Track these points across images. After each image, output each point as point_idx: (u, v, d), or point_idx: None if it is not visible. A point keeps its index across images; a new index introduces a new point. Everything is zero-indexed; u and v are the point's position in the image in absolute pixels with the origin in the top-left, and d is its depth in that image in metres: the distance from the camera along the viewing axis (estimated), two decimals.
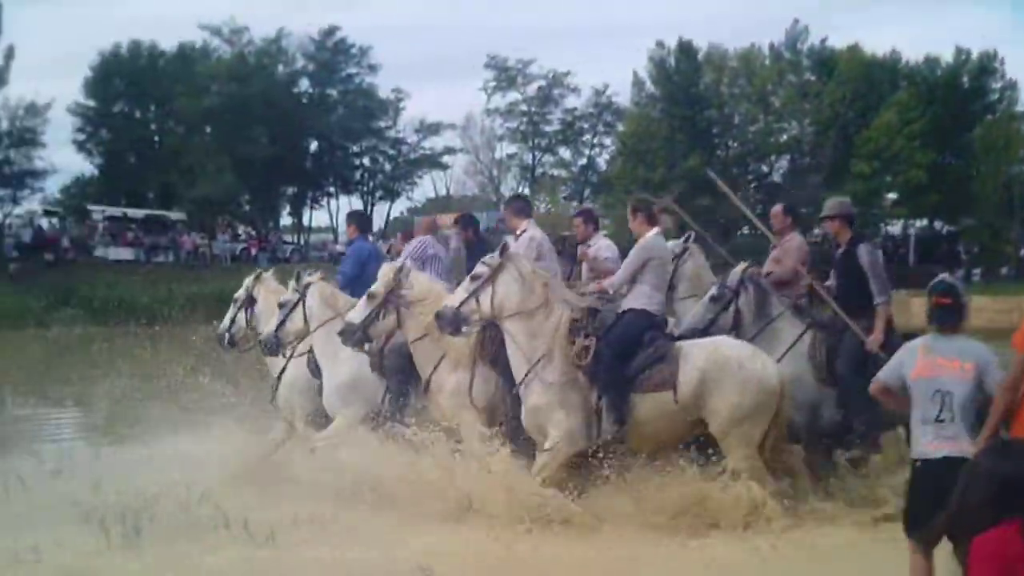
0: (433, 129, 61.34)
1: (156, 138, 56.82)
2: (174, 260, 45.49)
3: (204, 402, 10.30)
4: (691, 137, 50.86)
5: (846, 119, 50.41)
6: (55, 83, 77.01)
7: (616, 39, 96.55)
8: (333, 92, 59.88)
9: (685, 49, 52.89)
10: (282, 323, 9.15)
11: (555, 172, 61.73)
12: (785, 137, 53.12)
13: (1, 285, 37.66)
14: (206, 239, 48.16)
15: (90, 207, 49.10)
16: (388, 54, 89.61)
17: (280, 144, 54.18)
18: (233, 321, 10.05)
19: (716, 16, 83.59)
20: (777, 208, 9.70)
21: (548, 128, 61.73)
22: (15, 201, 46.05)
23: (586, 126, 61.80)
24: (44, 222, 46.28)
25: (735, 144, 54.01)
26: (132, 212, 49.19)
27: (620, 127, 57.27)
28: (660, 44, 53.13)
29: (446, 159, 62.70)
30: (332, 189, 61.01)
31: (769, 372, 7.74)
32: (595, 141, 62.28)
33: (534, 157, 62.33)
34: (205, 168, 50.18)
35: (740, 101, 53.11)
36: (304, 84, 59.56)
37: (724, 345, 8.01)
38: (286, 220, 62.27)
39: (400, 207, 64.26)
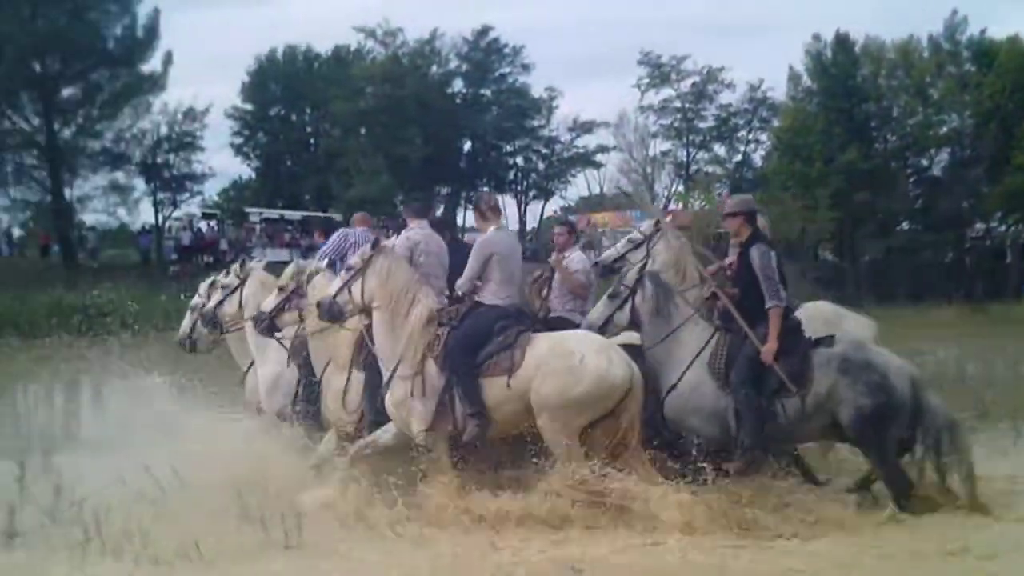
0: (586, 127, 60.50)
1: (312, 140, 57.57)
2: None
3: None
4: (848, 131, 48.92)
5: (1006, 111, 47.83)
6: (213, 88, 79.31)
7: (771, 33, 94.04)
8: (487, 92, 59.63)
9: (842, 42, 50.92)
10: (220, 304, 9.63)
11: (710, 169, 60.18)
12: (944, 130, 50.67)
13: (162, 286, 38.39)
14: None
15: (248, 209, 49.96)
16: (541, 52, 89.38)
17: (434, 144, 54.15)
18: (194, 326, 10.15)
19: (873, 8, 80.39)
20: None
21: (702, 124, 60.15)
22: (175, 204, 47.17)
23: (741, 122, 60.07)
24: (203, 225, 47.24)
25: (893, 138, 51.78)
26: (289, 214, 49.76)
27: (776, 122, 55.61)
28: (816, 37, 51.43)
29: (599, 157, 61.59)
30: (486, 188, 60.77)
31: (614, 370, 7.68)
32: (750, 137, 60.55)
33: (688, 154, 60.92)
34: (360, 169, 50.45)
35: (898, 93, 50.89)
36: (458, 84, 59.47)
37: (573, 338, 8.08)
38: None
39: (553, 206, 63.62)
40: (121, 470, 7.79)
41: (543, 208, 63.07)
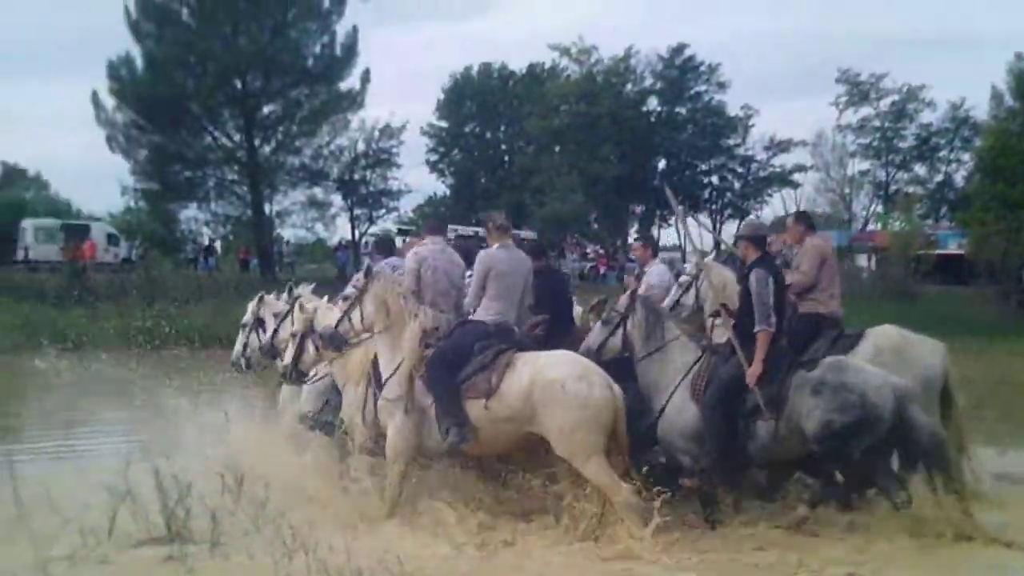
0: (783, 146, 59.16)
1: (506, 158, 57.79)
2: None
3: None
4: None
5: None
6: (409, 105, 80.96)
7: (973, 49, 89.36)
8: (682, 110, 58.89)
9: None
10: (275, 332, 9.89)
11: (910, 189, 57.73)
12: None
13: None
14: (556, 257, 48.11)
15: None
16: (737, 70, 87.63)
17: (629, 162, 53.60)
18: (246, 345, 10.49)
19: None
20: (789, 220, 10.35)
21: (902, 144, 58.00)
22: (371, 220, 47.83)
23: (942, 142, 57.60)
24: (399, 241, 47.62)
25: None
26: (483, 231, 49.68)
27: (978, 142, 52.60)
28: (1019, 56, 48.22)
29: (796, 177, 59.92)
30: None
31: (594, 393, 7.85)
32: (952, 157, 58.06)
33: (888, 174, 58.71)
34: (554, 187, 50.19)
35: None
36: (653, 102, 58.77)
37: (553, 364, 8.08)
38: (634, 238, 61.42)
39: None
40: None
41: (738, 228, 61.31)
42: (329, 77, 42.30)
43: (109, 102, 41.09)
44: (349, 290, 8.97)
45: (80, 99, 79.50)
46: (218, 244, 48.78)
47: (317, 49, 42.51)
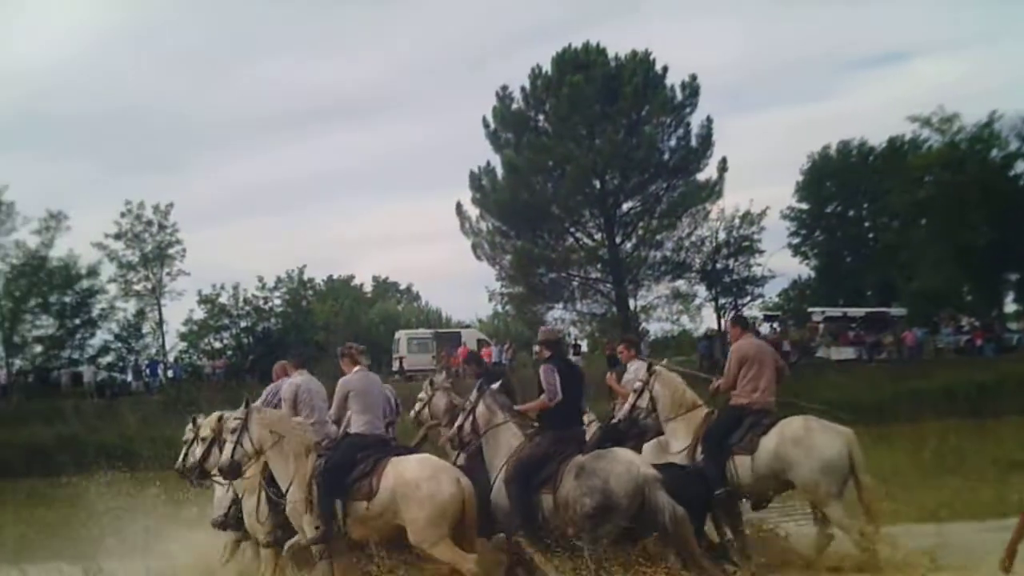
0: None
1: (870, 235, 55.66)
2: (896, 356, 43.16)
3: None
4: None
5: None
6: (768, 189, 79.82)
7: None
8: None
9: None
10: (233, 449, 10.13)
11: None
12: None
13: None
14: (929, 333, 45.29)
15: (810, 309, 49.03)
16: None
17: (1000, 229, 49.89)
18: (186, 456, 11.36)
19: None
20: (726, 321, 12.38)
21: None
22: (736, 308, 47.01)
23: None
24: (765, 327, 46.80)
25: None
26: (852, 311, 48.09)
27: None
28: None
29: None
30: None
31: (443, 490, 9.27)
32: None
33: None
34: (923, 260, 47.64)
35: None
36: (1020, 166, 54.50)
37: (410, 467, 9.54)
38: (1011, 307, 57.11)
39: None
40: None
41: None
42: (686, 169, 42.56)
43: (473, 211, 43.13)
44: (231, 422, 10.24)
45: (444, 211, 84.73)
46: (584, 342, 49.64)
47: (672, 142, 43.05)
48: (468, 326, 51.60)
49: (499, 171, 42.83)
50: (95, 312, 52.04)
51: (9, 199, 48.56)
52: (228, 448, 10.05)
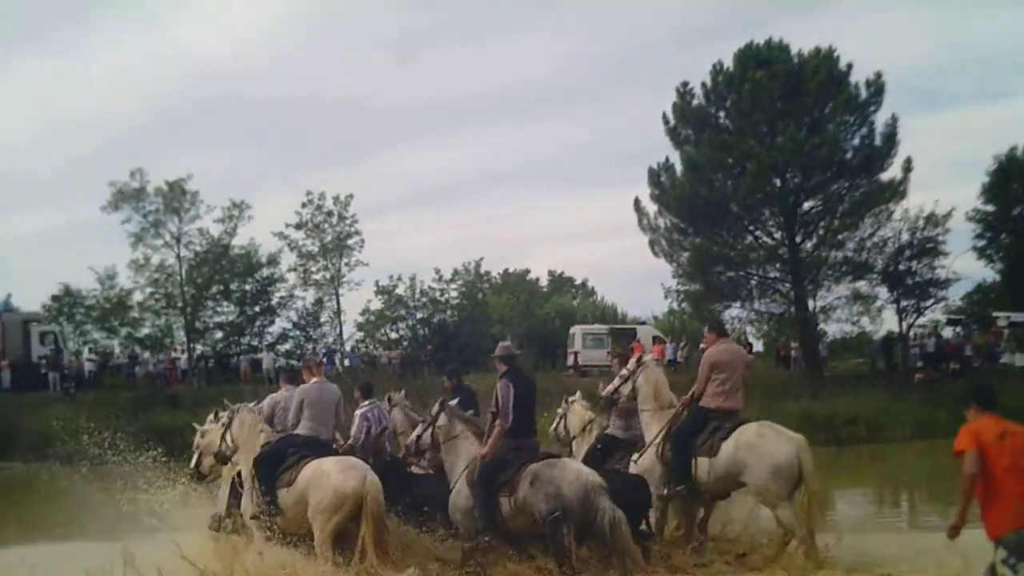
0: None
1: None
2: None
3: None
4: None
5: None
6: (954, 191, 77.11)
7: None
8: None
9: None
10: (222, 442, 12.67)
11: None
12: None
13: (906, 393, 37.58)
14: None
15: (994, 313, 47.60)
16: None
17: None
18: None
19: None
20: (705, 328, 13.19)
21: None
22: (918, 311, 45.48)
23: None
24: (947, 331, 45.30)
25: None
26: None
27: None
28: None
29: None
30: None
31: (348, 483, 10.82)
32: None
33: None
34: None
35: None
36: None
37: (328, 463, 11.18)
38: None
39: None
40: None
41: None
42: (869, 168, 41.42)
43: (651, 208, 42.98)
44: (222, 420, 12.89)
45: (621, 207, 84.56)
46: (759, 342, 48.85)
47: (856, 141, 41.95)
48: (643, 322, 51.31)
49: (678, 168, 42.50)
50: (274, 300, 54.23)
51: (193, 188, 50.58)
52: (217, 439, 12.69)
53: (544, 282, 59.47)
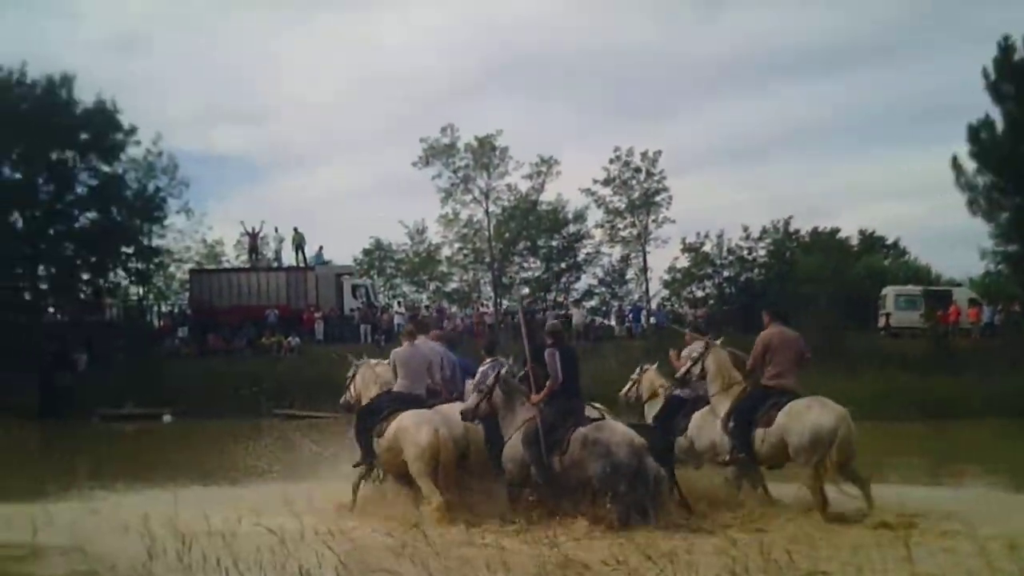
0: None
1: None
2: None
3: None
4: None
5: None
6: None
7: None
8: None
9: None
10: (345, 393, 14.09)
11: None
12: None
13: None
14: None
15: None
16: None
17: None
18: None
19: None
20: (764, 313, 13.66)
21: None
22: None
23: None
24: None
25: None
26: None
27: None
28: None
29: None
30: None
31: (421, 436, 11.85)
32: None
33: None
34: None
35: None
36: None
37: (408, 417, 12.22)
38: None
39: None
40: None
41: None
42: None
43: (969, 166, 40.11)
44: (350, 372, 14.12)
45: (935, 165, 77.82)
46: None
47: None
48: (959, 284, 47.08)
49: (999, 124, 38.95)
50: (581, 256, 53.95)
51: (503, 144, 51.26)
52: (345, 393, 14.01)
53: (855, 241, 55.68)
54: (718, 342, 13.47)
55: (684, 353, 13.86)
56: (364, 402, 13.30)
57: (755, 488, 12.68)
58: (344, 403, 14.02)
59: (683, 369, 13.53)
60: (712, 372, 12.97)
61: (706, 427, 12.86)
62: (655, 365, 15.11)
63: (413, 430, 11.91)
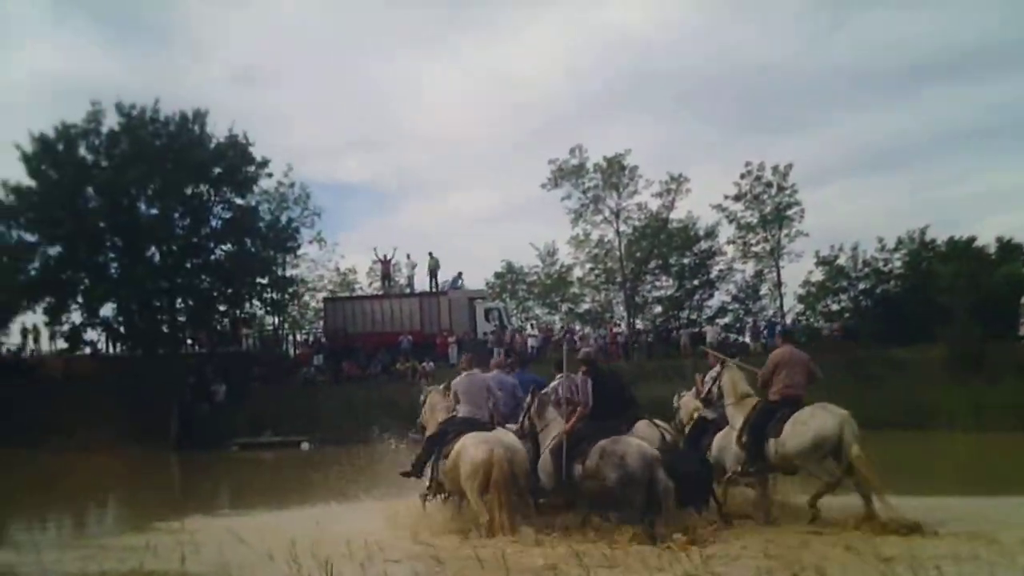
0: None
1: None
2: None
3: None
4: None
5: None
6: None
7: None
8: None
9: None
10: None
11: None
12: None
13: None
14: None
15: None
16: None
17: None
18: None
19: None
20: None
21: None
22: None
23: None
24: None
25: None
26: None
27: None
28: None
29: None
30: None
31: (477, 455, 12.62)
32: None
33: None
34: None
35: None
36: None
37: (467, 439, 13.03)
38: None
39: None
40: None
41: None
42: None
43: None
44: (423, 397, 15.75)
45: None
46: None
47: None
48: None
49: None
50: (713, 273, 53.08)
51: (631, 163, 50.49)
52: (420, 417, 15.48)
53: (992, 249, 53.38)
54: (735, 360, 15.04)
55: (707, 376, 15.02)
56: (432, 425, 14.67)
57: (766, 497, 13.42)
58: (420, 425, 15.50)
59: (704, 389, 14.89)
60: (727, 389, 14.09)
61: (727, 445, 13.73)
62: (691, 391, 15.89)
63: (471, 450, 12.86)
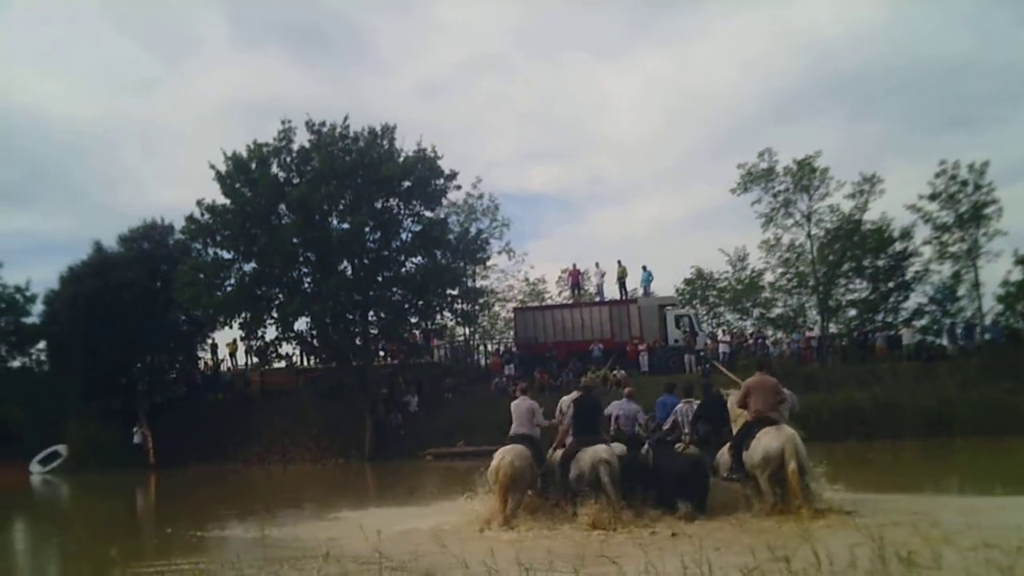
0: None
1: None
2: None
3: None
4: None
5: None
6: None
7: None
8: None
9: None
10: None
11: None
12: None
13: None
14: None
15: None
16: None
17: None
18: None
19: None
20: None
21: None
22: None
23: None
24: None
25: None
26: None
27: None
28: None
29: None
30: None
31: (492, 462, 16.34)
32: None
33: None
34: None
35: None
36: None
37: (502, 449, 16.50)
38: None
39: None
40: None
41: None
42: None
43: None
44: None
45: None
46: None
47: None
48: None
49: None
50: (909, 275, 50.98)
51: (822, 165, 49.14)
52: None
53: None
54: (729, 392, 17.71)
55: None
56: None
57: (762, 492, 15.17)
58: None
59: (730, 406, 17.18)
60: (731, 406, 16.95)
61: (724, 452, 16.22)
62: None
63: (494, 458, 16.24)
